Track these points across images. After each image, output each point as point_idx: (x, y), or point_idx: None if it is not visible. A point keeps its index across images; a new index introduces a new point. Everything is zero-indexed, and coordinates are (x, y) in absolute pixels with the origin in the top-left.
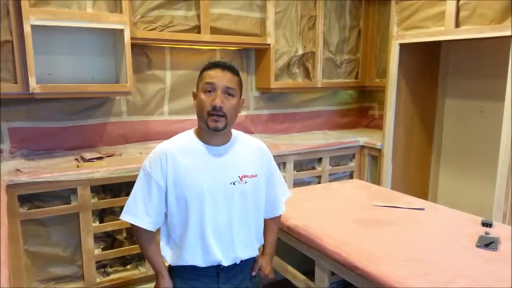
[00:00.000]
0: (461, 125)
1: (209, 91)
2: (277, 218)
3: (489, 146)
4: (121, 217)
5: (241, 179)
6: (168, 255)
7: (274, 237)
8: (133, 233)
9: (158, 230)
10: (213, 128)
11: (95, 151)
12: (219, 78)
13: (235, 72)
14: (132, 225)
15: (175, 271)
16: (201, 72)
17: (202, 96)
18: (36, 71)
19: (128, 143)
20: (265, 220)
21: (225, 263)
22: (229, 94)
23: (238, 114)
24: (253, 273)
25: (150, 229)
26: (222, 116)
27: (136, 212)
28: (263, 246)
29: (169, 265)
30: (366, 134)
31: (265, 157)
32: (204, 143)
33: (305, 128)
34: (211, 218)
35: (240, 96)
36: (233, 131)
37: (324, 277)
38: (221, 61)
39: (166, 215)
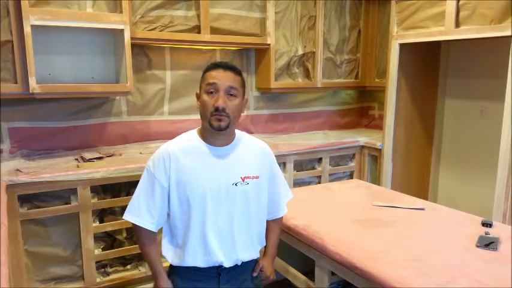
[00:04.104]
0: (461, 125)
1: (211, 92)
2: (279, 220)
3: (489, 146)
4: (124, 217)
5: (243, 180)
6: (170, 255)
7: (276, 239)
8: (134, 232)
9: (160, 230)
10: (217, 127)
11: (95, 151)
12: (221, 78)
13: (238, 72)
14: (133, 225)
15: (177, 271)
16: (204, 73)
17: (205, 97)
18: (36, 71)
19: (128, 143)
20: (267, 222)
21: (226, 264)
22: (231, 94)
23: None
24: (254, 274)
25: (152, 229)
26: (226, 116)
27: (139, 212)
28: (265, 247)
29: (170, 265)
30: (366, 134)
31: (268, 158)
32: (207, 143)
33: (305, 128)
34: (212, 219)
35: (243, 95)
36: (237, 131)
37: (324, 277)
38: (223, 61)
39: (168, 215)
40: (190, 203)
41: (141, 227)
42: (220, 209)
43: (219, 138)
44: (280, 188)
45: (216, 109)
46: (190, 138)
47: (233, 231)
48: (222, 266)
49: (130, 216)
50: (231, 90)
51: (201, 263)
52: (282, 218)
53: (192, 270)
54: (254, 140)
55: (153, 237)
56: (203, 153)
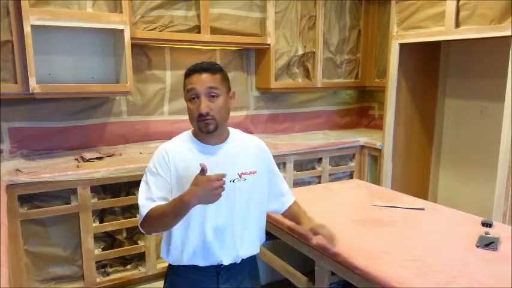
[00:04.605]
0: (461, 125)
1: (193, 98)
2: (297, 202)
3: (489, 146)
4: (139, 227)
5: (240, 177)
6: (169, 255)
7: (306, 213)
8: (145, 226)
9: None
10: (206, 131)
11: (95, 151)
12: (199, 82)
13: (215, 71)
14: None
15: (176, 270)
16: (184, 79)
17: (189, 104)
18: (36, 71)
19: (128, 143)
20: (286, 211)
21: (226, 262)
22: (212, 96)
23: (238, 114)
24: (314, 242)
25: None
26: (212, 119)
27: (143, 201)
28: (302, 221)
29: (169, 264)
30: (366, 134)
31: (264, 154)
32: (201, 142)
33: (305, 128)
34: (212, 217)
35: (227, 91)
36: (230, 129)
37: (324, 277)
38: (198, 64)
39: None
40: None
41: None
42: (219, 206)
43: (212, 137)
44: (281, 178)
45: (200, 115)
46: (185, 139)
47: (233, 228)
48: (221, 264)
49: (140, 210)
50: (211, 91)
51: (200, 262)
52: (296, 201)
53: (191, 269)
54: (248, 136)
55: None
56: (198, 153)
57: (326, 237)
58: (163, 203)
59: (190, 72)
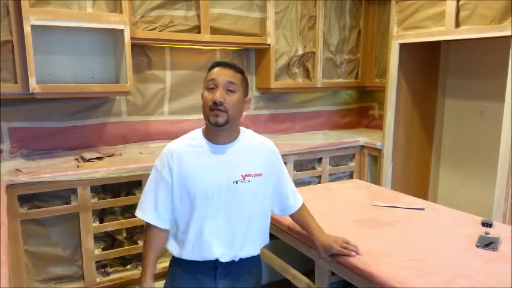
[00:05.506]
0: (461, 125)
1: (212, 88)
2: (304, 206)
3: (489, 146)
4: (135, 213)
5: (244, 178)
6: (172, 248)
7: (314, 220)
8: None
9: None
10: (214, 123)
11: (95, 151)
12: (220, 74)
13: (238, 70)
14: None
15: (178, 262)
16: (207, 72)
17: (205, 93)
18: (36, 71)
19: (128, 143)
20: (296, 213)
21: (223, 259)
22: (230, 90)
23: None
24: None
25: (155, 224)
26: (223, 111)
27: (146, 207)
28: (310, 231)
29: (172, 257)
30: (366, 134)
31: (272, 156)
32: (209, 141)
33: (305, 128)
34: (211, 216)
35: (245, 94)
36: (242, 129)
37: (324, 277)
38: (225, 61)
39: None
40: (191, 199)
41: (146, 222)
42: (220, 206)
43: (221, 136)
44: (289, 181)
45: (214, 103)
46: (195, 137)
47: (233, 228)
48: (218, 260)
49: (139, 212)
50: (229, 85)
51: (197, 258)
52: (304, 204)
53: (191, 263)
54: (259, 137)
55: (157, 234)
56: (205, 151)
57: (342, 252)
58: (160, 215)
59: (215, 64)
